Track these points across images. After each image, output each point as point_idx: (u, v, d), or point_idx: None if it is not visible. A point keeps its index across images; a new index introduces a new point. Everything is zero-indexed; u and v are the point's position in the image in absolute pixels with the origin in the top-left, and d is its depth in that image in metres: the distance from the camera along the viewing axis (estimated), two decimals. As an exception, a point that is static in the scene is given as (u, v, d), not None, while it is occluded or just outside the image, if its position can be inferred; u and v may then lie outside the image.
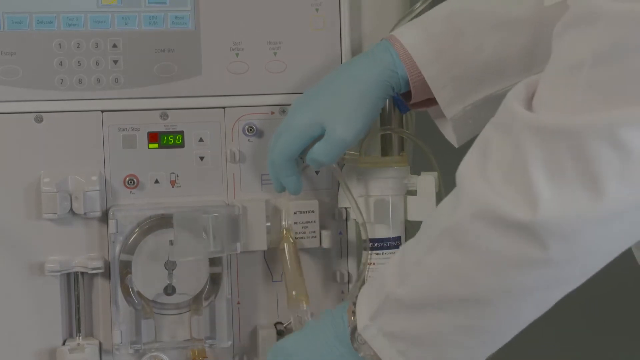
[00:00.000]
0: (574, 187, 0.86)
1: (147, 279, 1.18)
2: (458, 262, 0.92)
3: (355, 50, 1.23)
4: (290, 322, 1.20)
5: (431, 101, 1.15)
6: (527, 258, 0.89)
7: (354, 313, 1.03)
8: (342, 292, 1.25)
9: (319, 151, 1.12)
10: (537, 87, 0.91)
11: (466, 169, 0.93)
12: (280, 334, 1.22)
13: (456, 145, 1.18)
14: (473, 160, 0.93)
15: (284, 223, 1.22)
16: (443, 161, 1.23)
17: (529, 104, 0.90)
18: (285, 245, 1.21)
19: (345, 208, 1.23)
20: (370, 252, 1.19)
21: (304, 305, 1.19)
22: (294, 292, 1.19)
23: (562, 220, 0.86)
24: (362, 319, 1.01)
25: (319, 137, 1.12)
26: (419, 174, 1.21)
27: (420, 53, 1.11)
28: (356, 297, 1.04)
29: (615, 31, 0.84)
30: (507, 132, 0.90)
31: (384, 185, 1.19)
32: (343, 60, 1.23)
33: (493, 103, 1.11)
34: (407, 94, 1.16)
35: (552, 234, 0.87)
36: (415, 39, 1.11)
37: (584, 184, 0.86)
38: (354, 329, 1.02)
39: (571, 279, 0.92)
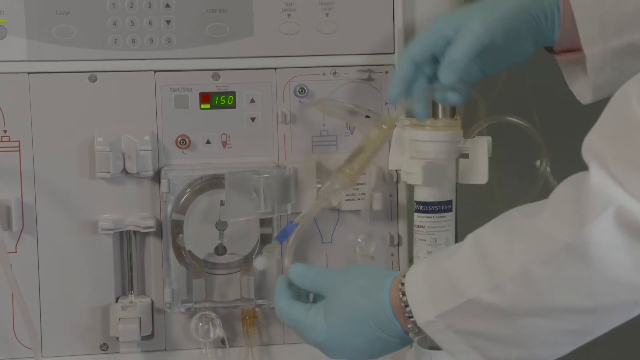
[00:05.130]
0: None
1: (198, 238, 1.19)
2: (583, 276, 0.87)
3: (408, 9, 1.22)
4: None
5: (573, 53, 1.12)
6: None
7: (405, 306, 0.97)
8: (392, 255, 1.24)
9: (453, 51, 1.09)
10: None
11: (599, 182, 0.86)
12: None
13: (589, 101, 1.13)
14: (600, 172, 0.86)
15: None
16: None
17: None
18: (378, 129, 1.16)
19: (396, 170, 1.23)
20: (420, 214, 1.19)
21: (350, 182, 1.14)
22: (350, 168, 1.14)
23: None
24: (423, 315, 0.95)
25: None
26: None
27: None
28: (401, 289, 0.97)
29: None
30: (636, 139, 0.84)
31: (436, 148, 1.18)
32: (395, 20, 1.21)
33: (636, 54, 1.07)
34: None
35: None
36: None
37: None
38: (406, 319, 0.97)
39: None
